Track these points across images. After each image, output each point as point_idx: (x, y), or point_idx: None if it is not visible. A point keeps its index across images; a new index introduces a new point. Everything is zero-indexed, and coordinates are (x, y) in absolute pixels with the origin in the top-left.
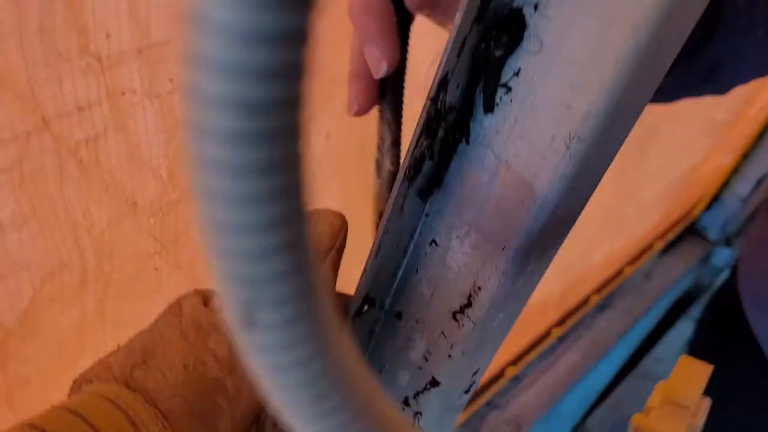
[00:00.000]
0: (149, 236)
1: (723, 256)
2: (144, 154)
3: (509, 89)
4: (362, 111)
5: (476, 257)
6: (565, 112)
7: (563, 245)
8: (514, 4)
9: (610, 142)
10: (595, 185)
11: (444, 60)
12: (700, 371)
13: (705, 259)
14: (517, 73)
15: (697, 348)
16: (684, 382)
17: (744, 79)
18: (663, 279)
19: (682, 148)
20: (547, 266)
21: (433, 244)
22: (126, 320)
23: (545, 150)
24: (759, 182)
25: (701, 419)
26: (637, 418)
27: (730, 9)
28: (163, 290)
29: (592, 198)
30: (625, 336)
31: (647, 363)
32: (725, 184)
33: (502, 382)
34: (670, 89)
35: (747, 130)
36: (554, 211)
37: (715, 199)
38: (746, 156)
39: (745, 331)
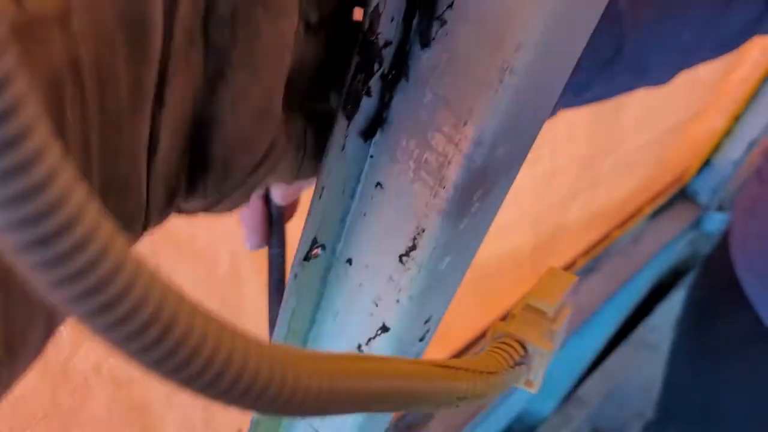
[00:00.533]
0: None
1: (715, 220)
2: None
3: (444, 22)
4: (258, 245)
5: (419, 198)
6: (497, 44)
7: (532, 197)
8: None
9: (546, 77)
10: (539, 124)
11: None
12: (563, 280)
13: (696, 225)
14: (450, 5)
15: (690, 311)
16: (545, 291)
17: (676, 65)
18: (651, 243)
19: (660, 104)
20: (494, 210)
21: (379, 187)
22: None
23: (479, 84)
24: (751, 145)
25: (560, 326)
26: (496, 324)
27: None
28: None
29: (562, 149)
30: (613, 300)
31: (642, 331)
32: (716, 147)
33: (483, 344)
34: (601, 92)
35: (738, 91)
36: (492, 148)
37: (707, 163)
38: (738, 118)
39: (738, 294)
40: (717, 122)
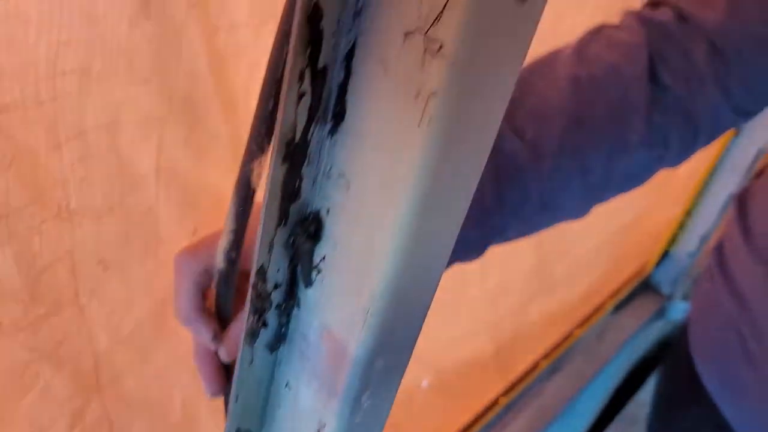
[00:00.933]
0: (22, 348)
1: (679, 309)
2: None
3: (320, 271)
4: (218, 394)
5: (318, 400)
6: (357, 294)
7: (487, 307)
8: (313, 208)
9: (404, 316)
10: (412, 341)
11: (256, 256)
12: None
13: (660, 314)
14: (323, 259)
15: (658, 402)
16: None
17: (586, 202)
18: (616, 338)
19: (605, 205)
20: (389, 401)
21: (287, 387)
22: (18, 422)
23: (350, 322)
24: (703, 239)
25: None
26: None
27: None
28: (51, 389)
29: (510, 263)
30: (582, 396)
31: (632, 408)
32: (673, 239)
33: None
34: (522, 231)
35: (688, 183)
36: (370, 364)
37: (665, 254)
38: (689, 213)
39: (700, 387)
40: (670, 213)
